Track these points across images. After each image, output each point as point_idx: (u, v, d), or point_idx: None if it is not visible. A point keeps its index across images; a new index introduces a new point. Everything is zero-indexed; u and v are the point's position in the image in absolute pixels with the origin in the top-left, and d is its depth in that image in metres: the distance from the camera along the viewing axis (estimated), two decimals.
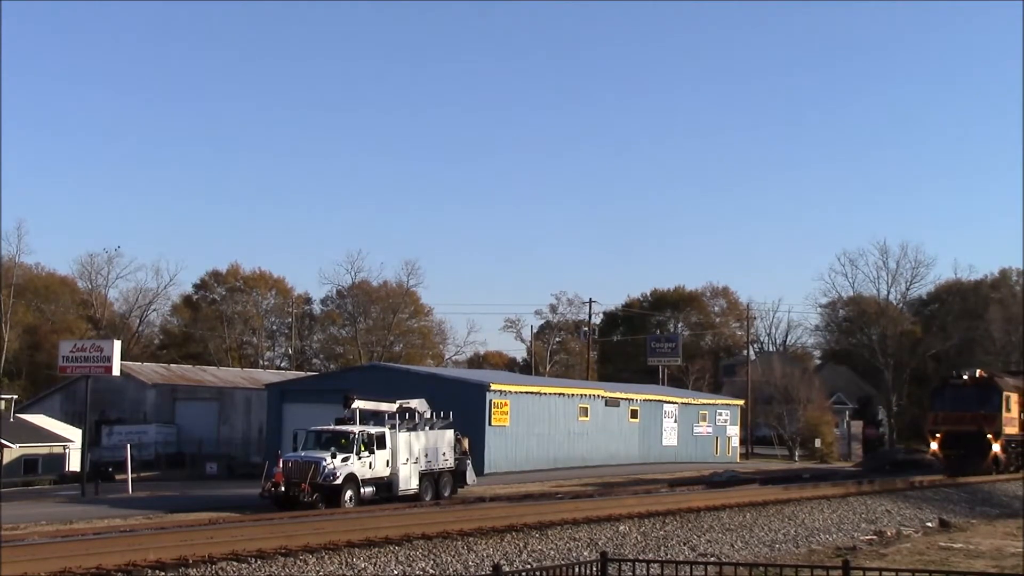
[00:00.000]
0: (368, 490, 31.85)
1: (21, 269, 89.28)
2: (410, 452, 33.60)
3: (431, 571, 18.03)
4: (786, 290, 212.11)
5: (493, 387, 50.09)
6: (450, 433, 35.77)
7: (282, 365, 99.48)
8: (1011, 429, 47.98)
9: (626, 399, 59.38)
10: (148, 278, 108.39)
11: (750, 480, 44.59)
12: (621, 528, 22.89)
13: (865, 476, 45.79)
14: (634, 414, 59.54)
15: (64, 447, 55.39)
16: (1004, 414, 46.53)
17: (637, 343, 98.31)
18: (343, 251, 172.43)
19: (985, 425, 45.90)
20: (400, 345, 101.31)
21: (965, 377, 47.64)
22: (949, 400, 47.18)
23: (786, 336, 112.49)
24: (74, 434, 54.84)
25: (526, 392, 52.42)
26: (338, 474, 30.83)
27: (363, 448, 31.97)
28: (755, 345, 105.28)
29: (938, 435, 46.87)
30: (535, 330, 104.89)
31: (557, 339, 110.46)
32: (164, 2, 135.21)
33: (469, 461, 36.83)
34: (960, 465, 46.12)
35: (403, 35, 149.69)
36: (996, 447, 46.09)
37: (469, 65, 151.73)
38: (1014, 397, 48.33)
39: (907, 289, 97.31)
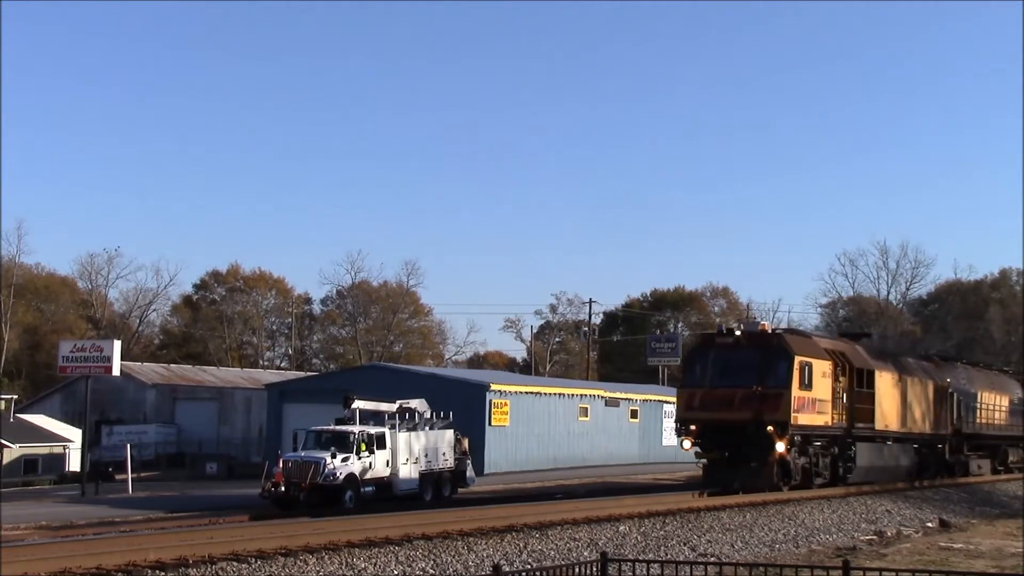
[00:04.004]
0: (368, 490, 31.85)
1: (21, 269, 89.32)
2: (410, 452, 33.60)
3: (431, 571, 18.02)
4: (786, 290, 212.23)
5: (493, 387, 50.08)
6: (450, 433, 35.77)
7: (282, 365, 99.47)
8: (812, 416, 31.36)
9: (626, 399, 59.37)
10: (148, 278, 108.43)
11: None
12: (621, 528, 22.89)
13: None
14: (634, 414, 59.53)
15: (64, 447, 55.39)
16: (797, 392, 30.38)
17: (637, 343, 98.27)
18: (343, 251, 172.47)
19: (765, 410, 30.02)
20: (400, 345, 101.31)
21: (737, 332, 31.78)
22: (712, 370, 31.13)
23: None
24: (74, 434, 54.84)
25: (526, 392, 52.42)
26: (338, 474, 30.83)
27: (363, 448, 31.97)
28: None
29: (692, 427, 31.12)
30: (535, 330, 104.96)
31: (557, 339, 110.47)
32: (164, 2, 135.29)
33: (469, 461, 36.83)
34: (723, 477, 30.88)
35: (403, 35, 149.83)
36: (780, 446, 29.94)
37: (469, 65, 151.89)
38: (820, 367, 31.79)
39: (907, 289, 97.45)
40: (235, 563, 16.79)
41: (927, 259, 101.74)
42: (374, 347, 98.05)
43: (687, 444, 31.53)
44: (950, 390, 42.63)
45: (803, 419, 30.85)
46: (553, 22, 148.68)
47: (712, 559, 20.89)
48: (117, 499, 36.01)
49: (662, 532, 23.17)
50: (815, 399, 31.41)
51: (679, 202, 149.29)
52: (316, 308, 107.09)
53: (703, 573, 18.20)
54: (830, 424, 32.54)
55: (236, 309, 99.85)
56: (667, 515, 24.74)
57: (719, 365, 31.12)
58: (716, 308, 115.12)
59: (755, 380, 30.48)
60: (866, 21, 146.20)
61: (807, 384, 30.90)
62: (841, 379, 33.37)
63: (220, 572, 16.34)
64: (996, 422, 47.99)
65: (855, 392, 33.95)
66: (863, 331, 48.20)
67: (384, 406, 34.38)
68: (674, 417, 33.69)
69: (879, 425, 35.34)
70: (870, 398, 34.68)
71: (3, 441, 51.76)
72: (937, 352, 55.60)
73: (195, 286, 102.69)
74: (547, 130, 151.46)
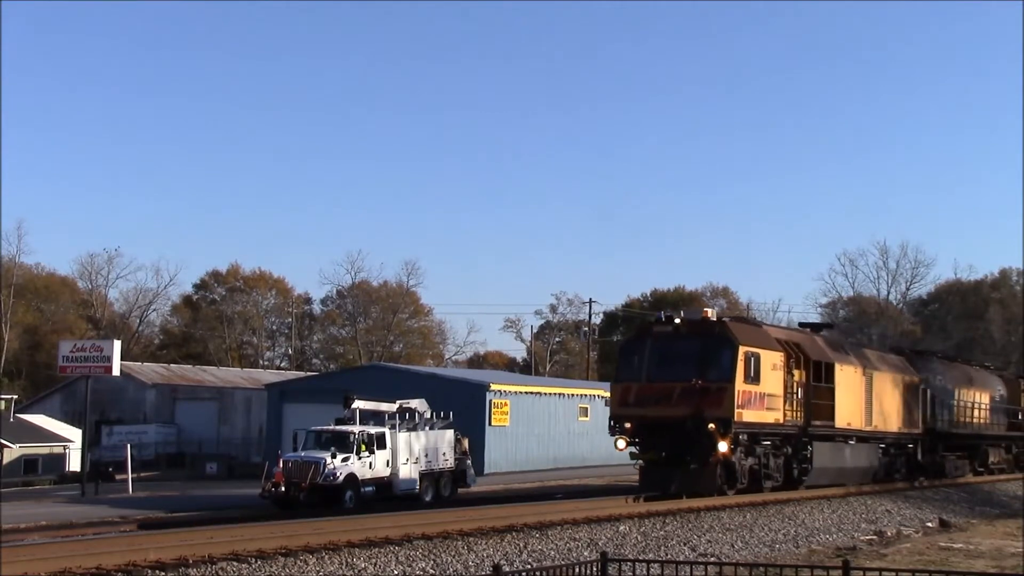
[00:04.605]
0: (368, 490, 31.86)
1: (21, 269, 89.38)
2: (410, 452, 33.61)
3: (431, 571, 18.03)
4: (786, 290, 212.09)
5: (493, 387, 50.11)
6: (450, 433, 35.78)
7: (282, 365, 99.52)
8: (759, 413, 28.73)
9: None
10: (148, 278, 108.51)
11: None
12: (621, 528, 22.89)
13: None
14: None
15: (64, 447, 55.43)
16: (742, 386, 27.85)
17: None
18: (343, 251, 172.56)
19: (705, 406, 27.53)
20: (400, 345, 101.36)
21: (677, 320, 29.02)
22: (649, 362, 28.73)
23: None
24: (74, 434, 54.88)
25: (526, 392, 52.44)
26: (338, 474, 30.84)
27: (363, 448, 31.98)
28: None
29: (627, 425, 28.70)
30: (535, 330, 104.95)
31: (557, 339, 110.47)
32: (165, 2, 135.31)
33: (469, 461, 36.83)
34: (661, 479, 28.38)
35: (403, 35, 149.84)
36: (723, 446, 27.41)
37: (470, 65, 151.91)
38: (770, 358, 29.11)
39: (907, 289, 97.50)
40: (235, 563, 16.79)
41: (927, 259, 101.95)
42: (374, 347, 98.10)
43: (621, 444, 28.93)
44: (923, 386, 40.04)
45: (749, 416, 28.25)
46: (553, 22, 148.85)
47: (712, 559, 20.89)
48: (117, 499, 36.03)
49: (662, 532, 23.17)
50: (764, 394, 28.76)
51: (679, 202, 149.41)
52: (316, 308, 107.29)
53: (703, 573, 18.20)
54: (782, 422, 29.82)
55: (236, 309, 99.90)
56: (667, 515, 24.74)
57: (657, 356, 28.68)
58: (716, 308, 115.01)
59: (695, 373, 27.90)
60: (866, 21, 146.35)
61: (754, 377, 28.23)
62: (796, 372, 30.82)
63: (220, 572, 16.34)
64: (975, 420, 45.40)
65: (812, 387, 31.39)
66: (827, 323, 44.67)
67: (384, 406, 34.39)
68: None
69: (840, 423, 32.77)
70: (829, 393, 32.04)
71: (3, 441, 51.79)
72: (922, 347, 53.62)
73: (195, 286, 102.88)
74: (547, 130, 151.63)
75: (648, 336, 29.42)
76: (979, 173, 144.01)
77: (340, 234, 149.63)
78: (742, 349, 28.01)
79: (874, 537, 27.11)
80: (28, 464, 53.19)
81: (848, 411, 33.41)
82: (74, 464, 52.88)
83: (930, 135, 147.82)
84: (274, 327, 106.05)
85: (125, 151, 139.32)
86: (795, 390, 30.75)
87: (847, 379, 33.46)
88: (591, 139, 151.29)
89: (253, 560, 17.09)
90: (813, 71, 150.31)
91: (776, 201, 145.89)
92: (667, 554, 20.85)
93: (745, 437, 28.78)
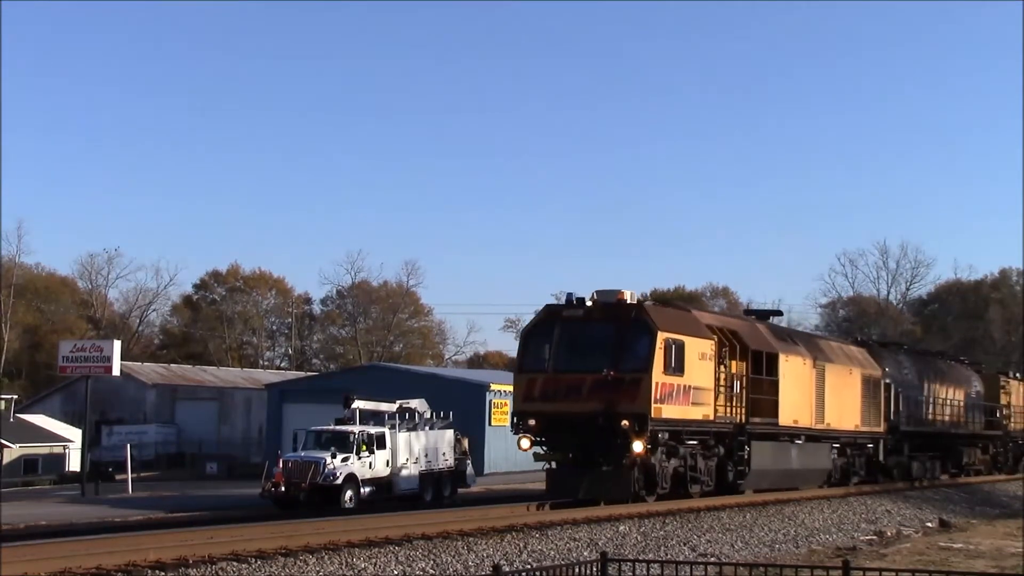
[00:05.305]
0: (368, 490, 31.87)
1: (21, 269, 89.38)
2: (410, 452, 33.62)
3: (431, 571, 18.02)
4: (786, 290, 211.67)
5: (493, 387, 50.10)
6: (450, 433, 35.79)
7: (282, 365, 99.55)
8: (683, 408, 25.58)
9: None
10: (148, 278, 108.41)
11: None
12: (621, 528, 22.88)
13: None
14: None
15: (64, 447, 55.49)
16: (661, 377, 24.68)
17: None
18: (343, 251, 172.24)
19: (618, 399, 24.55)
20: (400, 345, 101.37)
21: (589, 303, 25.73)
22: (557, 351, 25.57)
23: None
24: (74, 434, 54.93)
25: None
26: (338, 474, 30.85)
27: (363, 448, 31.99)
28: None
29: (532, 422, 25.60)
30: None
31: None
32: (165, 2, 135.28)
33: (469, 461, 36.84)
34: (570, 484, 25.59)
35: (402, 35, 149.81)
36: (637, 446, 24.26)
37: (470, 65, 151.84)
38: (696, 346, 26.04)
39: (907, 289, 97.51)
40: (235, 563, 16.78)
41: (927, 259, 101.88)
42: (374, 347, 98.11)
43: (525, 443, 25.73)
44: (887, 380, 36.83)
45: (670, 411, 25.13)
46: (552, 22, 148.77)
47: (712, 559, 20.89)
48: (117, 499, 36.05)
49: (662, 532, 23.16)
50: (689, 386, 25.57)
51: (679, 202, 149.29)
52: (316, 308, 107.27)
53: (703, 573, 18.21)
54: (712, 418, 26.67)
55: (236, 309, 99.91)
56: (667, 515, 24.72)
57: (566, 344, 25.50)
58: (716, 308, 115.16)
59: (608, 363, 24.80)
60: (866, 21, 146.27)
61: (675, 367, 25.05)
62: (731, 363, 27.77)
63: (220, 572, 16.33)
64: (947, 418, 42.43)
65: (753, 380, 28.42)
66: (776, 310, 41.41)
67: (384, 406, 34.40)
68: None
69: (785, 420, 29.65)
70: (772, 387, 29.05)
71: (3, 441, 51.82)
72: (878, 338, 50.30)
73: (195, 286, 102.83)
74: (547, 129, 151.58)
75: (556, 321, 25.93)
76: (979, 173, 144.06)
77: (340, 234, 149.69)
78: (661, 335, 24.81)
79: (874, 537, 27.12)
80: (28, 464, 53.23)
81: (795, 407, 30.29)
82: (74, 464, 52.91)
83: (930, 135, 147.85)
84: (274, 327, 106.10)
85: (125, 151, 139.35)
86: (729, 383, 27.69)
87: (794, 371, 30.34)
88: (591, 139, 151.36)
89: (253, 560, 17.08)
90: (813, 71, 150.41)
91: (776, 201, 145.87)
92: (667, 554, 20.84)
93: (666, 435, 25.47)
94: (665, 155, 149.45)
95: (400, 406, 34.57)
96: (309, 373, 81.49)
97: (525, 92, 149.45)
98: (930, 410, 41.33)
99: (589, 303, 25.76)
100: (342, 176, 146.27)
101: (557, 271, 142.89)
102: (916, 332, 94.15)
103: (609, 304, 25.69)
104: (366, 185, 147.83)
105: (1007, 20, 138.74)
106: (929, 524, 30.64)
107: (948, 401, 43.00)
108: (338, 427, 33.25)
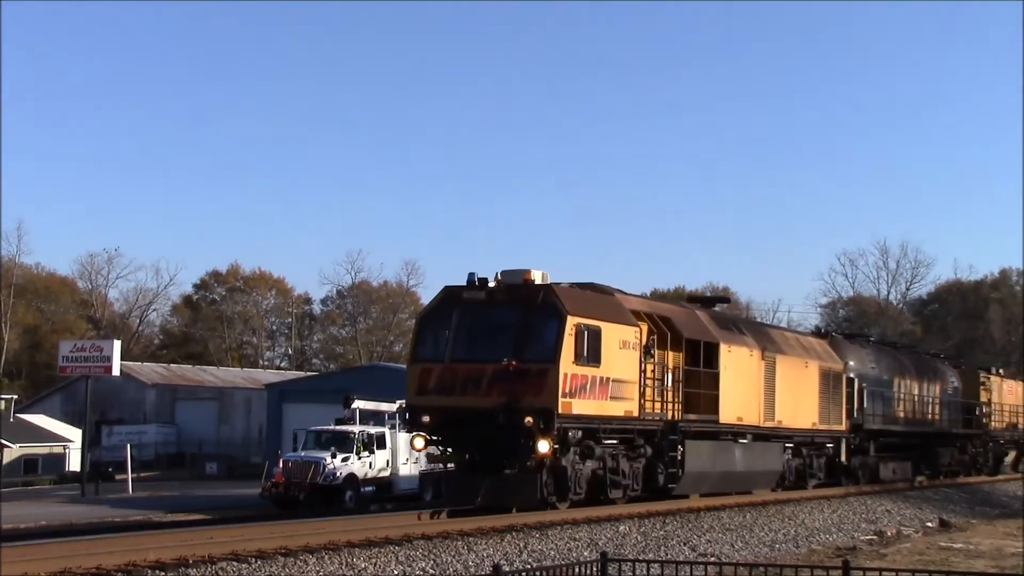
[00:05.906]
0: (368, 490, 31.87)
1: (21, 269, 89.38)
2: (410, 452, 33.61)
3: (431, 571, 18.02)
4: (786, 290, 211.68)
5: None
6: None
7: (282, 365, 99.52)
8: (599, 404, 22.78)
9: None
10: (148, 278, 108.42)
11: None
12: (621, 528, 22.87)
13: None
14: None
15: (64, 447, 55.47)
16: (571, 367, 21.88)
17: None
18: (343, 251, 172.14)
19: (522, 393, 21.70)
20: (400, 345, 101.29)
21: (492, 284, 22.82)
22: (455, 338, 22.64)
23: None
24: (74, 434, 54.93)
25: None
26: (338, 474, 30.86)
27: (363, 448, 31.99)
28: None
29: (426, 418, 22.70)
30: None
31: None
32: (165, 2, 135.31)
33: None
34: (470, 488, 22.48)
35: (403, 35, 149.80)
36: (543, 446, 21.33)
37: (469, 65, 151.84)
38: (618, 334, 23.22)
39: (907, 289, 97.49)
40: (235, 563, 16.78)
41: (927, 259, 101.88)
42: (374, 347, 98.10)
43: (419, 443, 23.05)
44: (850, 374, 34.25)
45: (583, 406, 22.25)
46: (550, 19, 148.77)
47: (712, 559, 20.89)
48: (117, 499, 36.06)
49: (662, 532, 23.16)
50: (607, 378, 22.74)
51: (679, 202, 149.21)
52: (316, 308, 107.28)
53: (703, 573, 18.20)
54: (636, 414, 23.66)
55: (236, 309, 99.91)
56: (667, 515, 24.71)
57: (465, 331, 22.66)
58: (716, 308, 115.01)
59: (511, 351, 21.89)
60: (866, 21, 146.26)
61: (590, 357, 22.18)
62: (663, 354, 24.95)
63: (220, 572, 16.33)
64: (919, 416, 39.78)
65: (688, 372, 25.73)
66: (722, 297, 37.55)
67: (384, 406, 34.41)
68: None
69: (727, 417, 26.93)
70: (712, 381, 26.35)
71: (3, 441, 51.81)
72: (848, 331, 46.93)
73: (195, 286, 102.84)
74: (546, 129, 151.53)
75: (455, 305, 22.85)
76: (979, 173, 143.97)
77: (340, 234, 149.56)
78: (572, 320, 21.84)
79: (874, 537, 27.12)
80: (28, 464, 53.22)
81: (739, 403, 27.49)
82: (74, 464, 52.91)
83: (930, 135, 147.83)
84: (274, 327, 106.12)
85: (125, 151, 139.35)
86: (661, 376, 24.83)
87: (738, 363, 27.46)
88: (590, 138, 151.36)
89: (253, 560, 17.07)
90: (813, 71, 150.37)
91: (776, 201, 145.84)
92: (667, 554, 20.84)
93: (578, 434, 22.53)
94: (665, 154, 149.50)
95: (400, 406, 34.56)
96: (309, 373, 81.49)
97: (524, 91, 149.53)
98: (900, 407, 38.60)
99: (493, 284, 22.86)
100: (342, 176, 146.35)
101: (557, 271, 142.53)
102: (916, 332, 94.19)
103: (514, 286, 22.70)
104: (366, 185, 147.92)
105: (1007, 20, 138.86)
106: (929, 524, 30.64)
107: (920, 398, 40.38)
108: (338, 427, 33.28)
